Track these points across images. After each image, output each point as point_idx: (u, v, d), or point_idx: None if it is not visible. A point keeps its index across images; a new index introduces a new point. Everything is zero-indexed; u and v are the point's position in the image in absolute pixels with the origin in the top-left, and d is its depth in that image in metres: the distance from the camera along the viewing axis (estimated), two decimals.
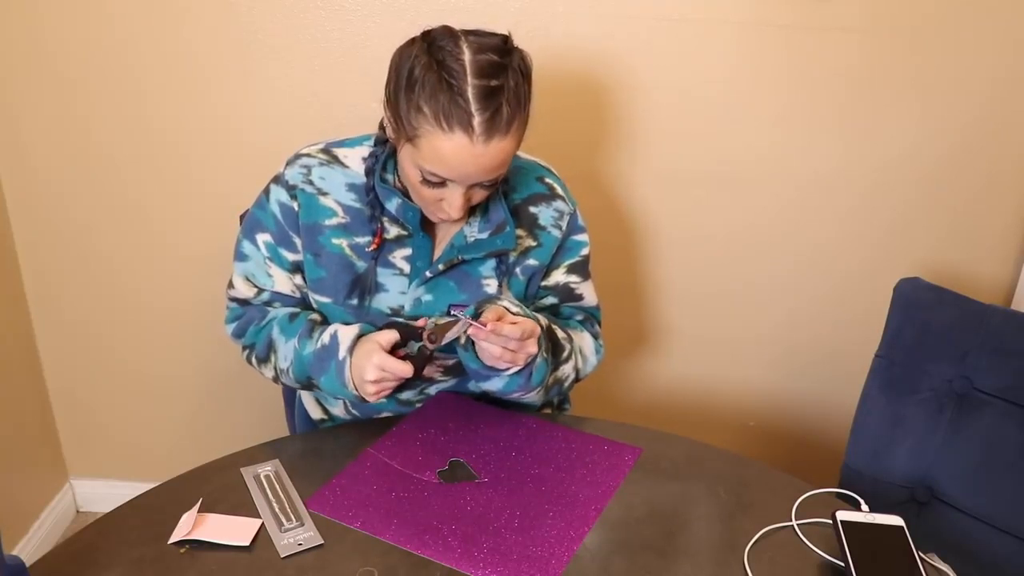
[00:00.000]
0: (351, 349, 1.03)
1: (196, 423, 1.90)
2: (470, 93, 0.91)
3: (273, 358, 1.13)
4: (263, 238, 1.14)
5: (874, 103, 1.54)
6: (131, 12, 1.53)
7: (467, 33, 0.96)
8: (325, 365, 1.05)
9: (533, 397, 1.12)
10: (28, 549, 1.79)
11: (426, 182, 0.99)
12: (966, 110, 1.54)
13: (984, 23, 1.48)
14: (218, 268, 1.72)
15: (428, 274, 1.10)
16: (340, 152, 1.12)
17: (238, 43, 1.55)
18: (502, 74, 0.93)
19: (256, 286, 1.16)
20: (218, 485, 0.98)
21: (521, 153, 1.18)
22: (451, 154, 0.93)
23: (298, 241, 1.12)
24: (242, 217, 1.37)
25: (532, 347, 1.02)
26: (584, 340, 1.21)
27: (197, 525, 0.91)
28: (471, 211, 1.09)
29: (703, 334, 1.76)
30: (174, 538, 0.90)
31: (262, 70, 1.57)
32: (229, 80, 1.58)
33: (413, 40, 0.98)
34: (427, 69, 0.93)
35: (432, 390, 1.19)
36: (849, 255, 1.67)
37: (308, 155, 1.12)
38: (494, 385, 1.08)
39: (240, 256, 1.17)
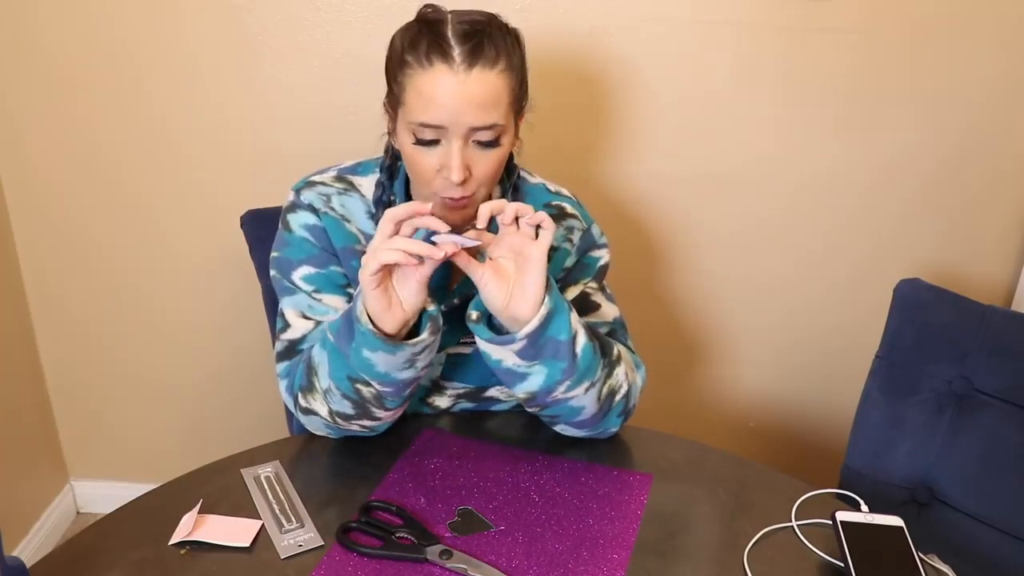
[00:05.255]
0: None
1: (196, 424, 1.90)
2: (450, 32, 0.92)
3: (316, 382, 0.98)
4: (300, 273, 1.05)
5: (873, 104, 1.55)
6: (131, 12, 1.53)
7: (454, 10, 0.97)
8: (350, 326, 0.92)
9: (586, 399, 1.00)
10: (28, 550, 1.79)
11: (420, 143, 0.94)
12: (966, 110, 1.54)
13: (983, 23, 1.48)
14: (218, 268, 1.73)
15: (444, 308, 1.04)
16: (355, 180, 1.09)
17: (238, 44, 1.55)
18: (483, 25, 0.94)
19: (313, 318, 1.05)
20: (218, 486, 0.98)
21: (529, 177, 1.16)
22: (433, 88, 0.91)
23: (339, 259, 1.06)
24: (243, 219, 1.38)
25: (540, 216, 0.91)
26: (622, 350, 1.09)
27: (197, 526, 0.91)
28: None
29: (703, 334, 1.76)
30: (174, 539, 0.90)
31: (262, 71, 1.57)
32: (228, 80, 1.58)
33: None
34: (409, 30, 0.95)
35: (454, 410, 1.16)
36: (849, 256, 1.67)
37: (323, 183, 1.08)
38: (534, 383, 0.97)
39: (285, 291, 1.06)
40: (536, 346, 0.94)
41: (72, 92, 1.60)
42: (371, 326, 0.90)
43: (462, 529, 0.94)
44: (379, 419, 1.01)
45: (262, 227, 1.34)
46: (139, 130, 1.63)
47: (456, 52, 0.91)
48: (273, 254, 1.08)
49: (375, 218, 1.07)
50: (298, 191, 1.08)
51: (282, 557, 0.89)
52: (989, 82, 1.52)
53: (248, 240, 1.38)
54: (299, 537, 0.91)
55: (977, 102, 1.53)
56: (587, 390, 0.99)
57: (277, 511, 0.95)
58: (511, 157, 1.10)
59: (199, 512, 0.93)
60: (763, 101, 1.55)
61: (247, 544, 0.90)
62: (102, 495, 1.97)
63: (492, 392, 1.14)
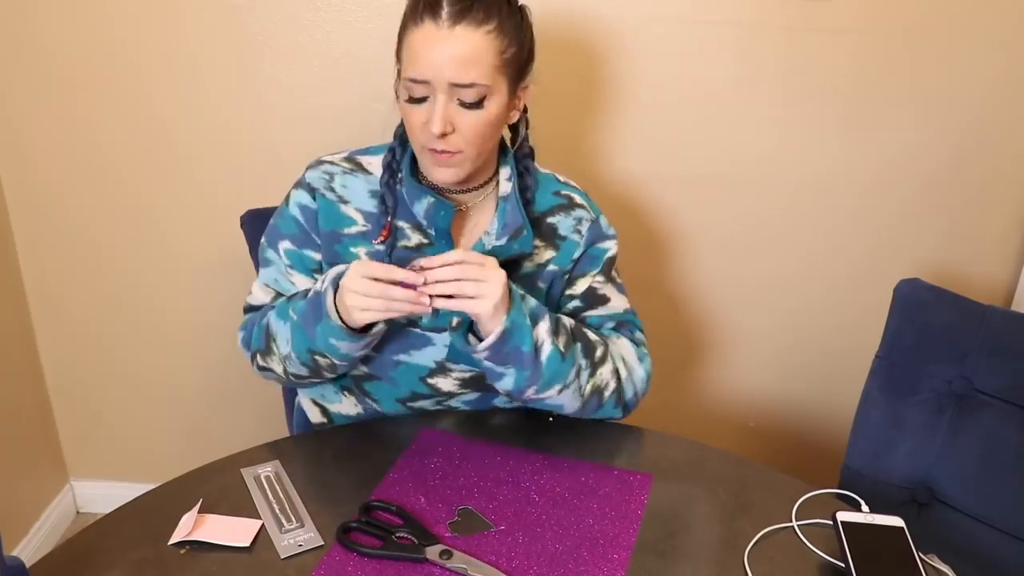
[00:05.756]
0: (335, 281, 1.00)
1: (196, 424, 1.90)
2: None
3: (274, 347, 1.08)
4: (284, 246, 1.13)
5: (874, 104, 1.55)
6: (131, 12, 1.53)
7: None
8: (318, 313, 1.01)
9: (561, 399, 1.07)
10: (28, 550, 1.79)
11: (411, 101, 1.00)
12: (966, 110, 1.54)
13: (983, 23, 1.48)
14: (218, 268, 1.73)
15: None
16: (364, 159, 1.13)
17: (238, 44, 1.55)
18: None
19: (276, 291, 1.15)
20: (218, 486, 0.98)
21: (538, 167, 1.17)
22: (420, 43, 0.97)
23: (319, 242, 1.12)
24: (243, 219, 1.38)
25: (479, 262, 0.98)
26: (622, 346, 1.16)
27: (197, 526, 0.91)
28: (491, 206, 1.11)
29: (703, 334, 1.76)
30: (174, 539, 0.90)
31: (262, 70, 1.57)
32: (228, 80, 1.58)
33: None
34: None
35: (453, 402, 1.17)
36: (849, 256, 1.67)
37: (331, 162, 1.13)
38: (508, 383, 1.04)
39: (264, 263, 1.16)
40: (501, 354, 1.02)
41: (72, 92, 1.60)
42: (340, 322, 1.00)
43: (462, 529, 0.94)
44: (329, 378, 1.13)
45: (262, 227, 1.32)
46: (139, 130, 1.63)
47: (445, 11, 0.96)
48: (271, 221, 1.16)
49: (378, 195, 1.10)
50: (308, 168, 1.14)
51: (282, 557, 0.89)
52: (989, 82, 1.52)
53: (248, 240, 1.38)
54: (299, 537, 0.91)
55: (977, 102, 1.53)
56: (560, 391, 1.06)
57: (277, 511, 0.95)
58: (518, 133, 1.12)
59: (199, 512, 0.93)
60: (763, 101, 1.55)
61: (247, 544, 0.90)
62: (102, 495, 1.97)
63: None
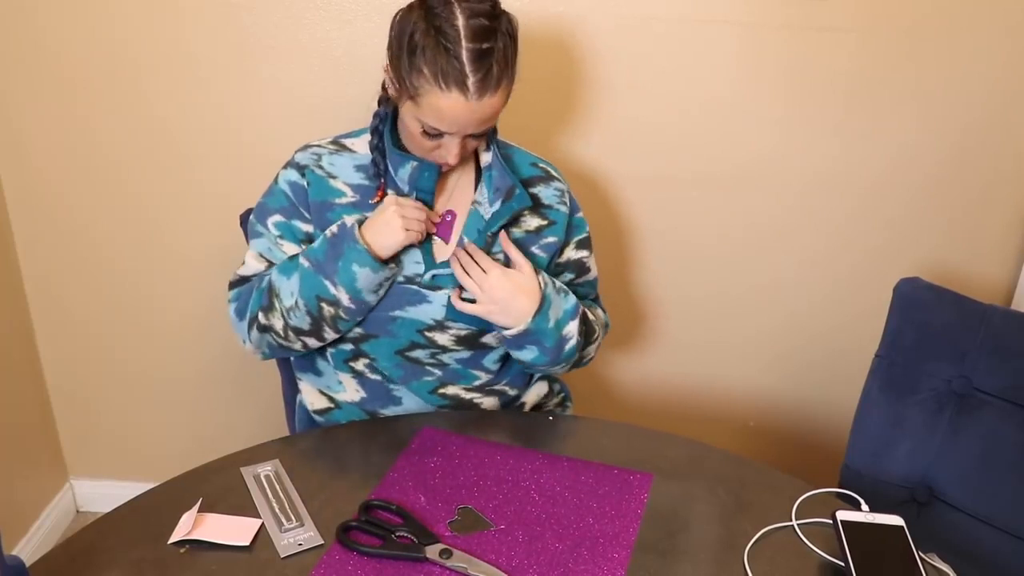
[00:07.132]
0: (359, 220, 1.11)
1: (196, 423, 1.90)
2: (464, 56, 1.01)
3: (277, 303, 1.13)
4: (273, 219, 1.18)
5: (874, 103, 1.55)
6: (131, 12, 1.53)
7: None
8: (339, 248, 1.09)
9: (557, 369, 1.23)
10: (28, 549, 1.79)
11: (426, 134, 1.09)
12: (966, 110, 1.54)
13: (984, 23, 1.48)
14: (218, 267, 1.73)
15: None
16: (348, 141, 1.21)
17: (237, 43, 1.55)
18: (492, 37, 1.03)
19: (268, 260, 1.19)
20: (218, 485, 0.99)
21: (513, 144, 1.26)
22: (448, 110, 1.04)
23: (308, 215, 1.18)
24: (242, 217, 1.38)
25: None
26: (600, 318, 1.33)
27: (197, 525, 0.91)
28: (476, 181, 1.21)
29: (703, 334, 1.76)
30: (174, 538, 0.90)
31: (261, 70, 1.57)
32: (228, 80, 1.58)
33: (411, 6, 1.07)
34: (426, 35, 1.03)
35: (446, 357, 1.21)
36: (849, 255, 1.67)
37: (318, 145, 1.21)
38: (524, 356, 1.17)
39: (254, 235, 1.21)
40: (520, 344, 1.16)
41: (72, 92, 1.60)
42: (366, 246, 1.08)
43: (462, 528, 0.94)
44: (324, 339, 1.17)
45: None
46: (138, 131, 1.63)
47: (471, 82, 1.02)
48: (259, 200, 1.21)
49: (363, 169, 1.19)
50: (296, 151, 1.21)
51: (282, 556, 0.89)
52: (990, 81, 1.52)
53: (248, 239, 1.38)
54: (299, 536, 0.91)
55: (978, 102, 1.53)
56: (561, 368, 1.23)
57: (277, 510, 0.95)
58: None
59: (198, 511, 0.93)
60: (764, 101, 1.55)
61: (247, 543, 0.90)
62: (102, 494, 1.97)
63: (487, 338, 1.21)
